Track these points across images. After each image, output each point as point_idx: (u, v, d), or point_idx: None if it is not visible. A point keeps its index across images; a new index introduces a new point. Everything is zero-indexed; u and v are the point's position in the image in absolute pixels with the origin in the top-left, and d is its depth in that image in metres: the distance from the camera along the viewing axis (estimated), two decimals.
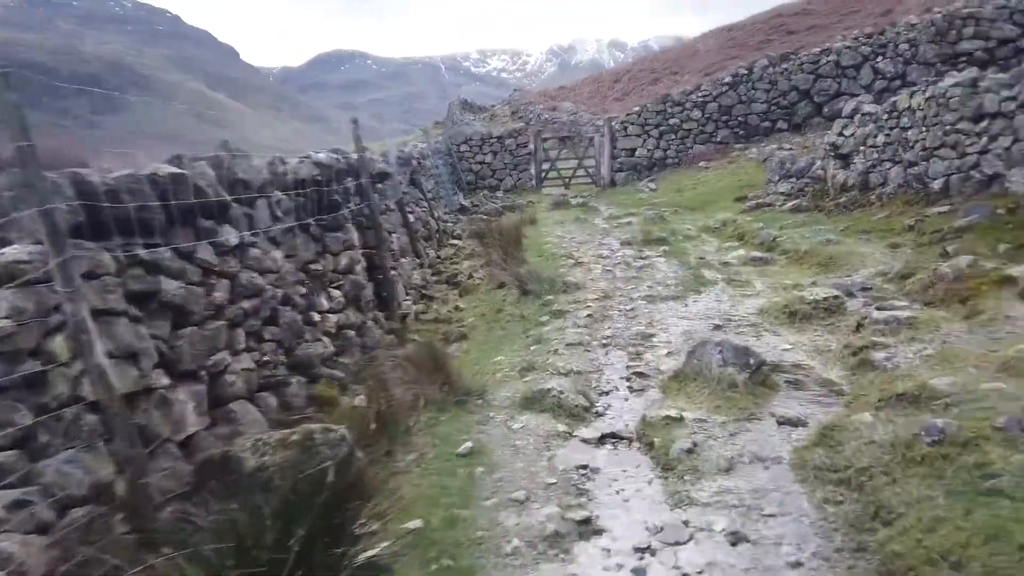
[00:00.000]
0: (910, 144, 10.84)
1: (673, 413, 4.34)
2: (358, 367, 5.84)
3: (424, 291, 9.97)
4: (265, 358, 4.66)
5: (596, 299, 7.76)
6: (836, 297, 6.49)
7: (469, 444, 4.17)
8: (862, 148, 12.12)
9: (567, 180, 21.45)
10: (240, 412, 4.31)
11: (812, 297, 6.57)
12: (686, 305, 7.48)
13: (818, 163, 14.53)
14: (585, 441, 4.31)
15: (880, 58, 19.39)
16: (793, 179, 15.17)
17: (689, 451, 3.88)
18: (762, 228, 11.59)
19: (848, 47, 19.63)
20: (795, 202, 12.97)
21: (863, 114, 12.36)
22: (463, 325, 8.12)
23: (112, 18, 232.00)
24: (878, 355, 4.96)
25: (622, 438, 4.31)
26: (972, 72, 10.12)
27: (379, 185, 8.44)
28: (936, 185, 10.10)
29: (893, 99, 11.57)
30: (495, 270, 10.12)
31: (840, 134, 12.94)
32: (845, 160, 12.90)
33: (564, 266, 9.75)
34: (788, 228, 11.05)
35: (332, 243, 6.34)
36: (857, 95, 19.48)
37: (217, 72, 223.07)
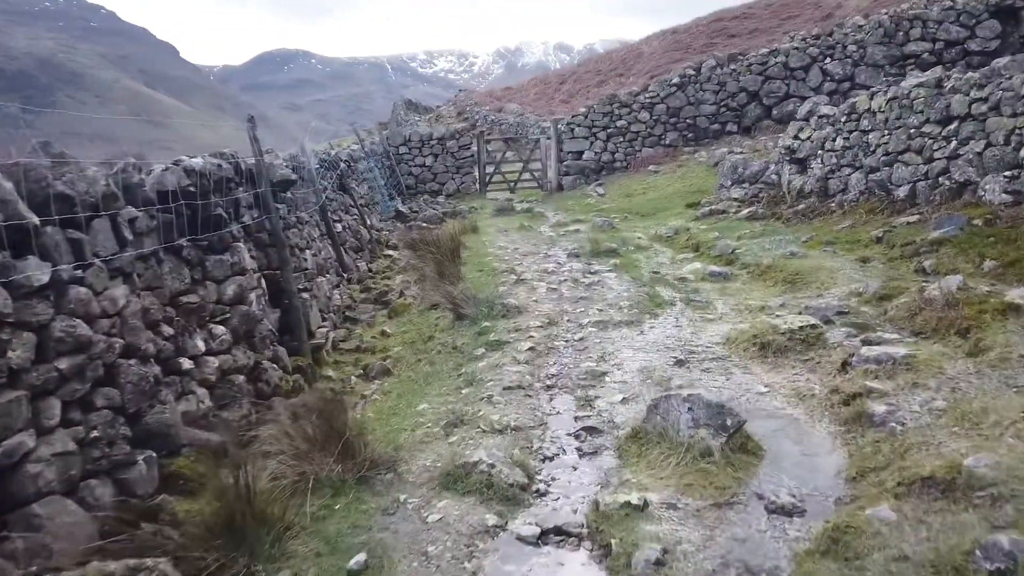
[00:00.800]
0: (871, 148, 10.19)
1: (634, 499, 3.34)
2: (243, 425, 4.69)
3: (349, 312, 8.81)
4: (94, 433, 3.49)
5: (540, 326, 6.76)
6: (814, 327, 5.63)
7: (363, 556, 3.07)
8: (820, 152, 11.45)
9: (512, 184, 20.48)
10: (50, 515, 3.14)
11: (786, 326, 5.69)
12: (642, 332, 6.54)
13: (772, 168, 13.89)
14: (521, 539, 3.28)
15: (828, 59, 18.99)
16: (746, 184, 14.50)
17: (658, 563, 2.88)
18: (718, 238, 10.79)
19: (796, 48, 19.18)
20: (750, 209, 12.24)
21: (820, 116, 11.71)
22: (388, 355, 7.02)
23: (43, 13, 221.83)
24: (876, 407, 4.07)
25: (570, 534, 3.29)
26: (936, 72, 9.50)
27: (286, 194, 7.25)
28: (901, 192, 9.45)
29: (852, 101, 10.92)
30: (428, 289, 9.04)
31: (796, 137, 12.28)
32: (802, 165, 12.24)
33: (505, 283, 8.74)
34: (746, 238, 10.28)
35: (215, 268, 5.16)
36: (807, 97, 19.05)
37: (156, 70, 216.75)
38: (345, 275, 10.38)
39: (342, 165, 12.59)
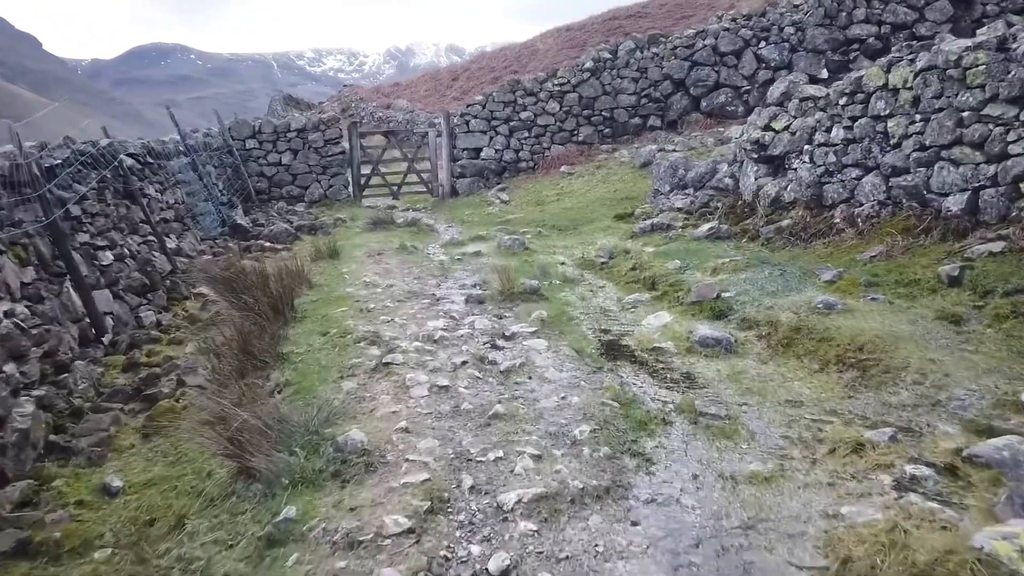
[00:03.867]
0: (892, 141, 7.16)
1: None
2: None
3: (72, 426, 4.81)
4: None
5: (413, 519, 3.05)
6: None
7: None
8: (807, 148, 8.38)
9: (395, 189, 16.62)
10: None
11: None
12: (632, 524, 2.99)
13: (724, 169, 10.81)
14: None
15: (763, 43, 16.33)
16: (690, 190, 11.38)
17: None
18: (682, 269, 7.48)
19: (726, 29, 16.41)
20: (710, 226, 9.02)
21: (804, 99, 8.65)
22: None
23: None
24: None
25: None
26: (998, 28, 6.56)
27: None
28: (952, 204, 6.43)
29: (857, 75, 7.88)
30: (225, 374, 5.17)
31: (767, 128, 9.18)
32: (775, 165, 9.17)
33: (357, 371, 4.95)
34: (727, 271, 7.00)
35: None
36: (740, 87, 16.37)
37: (15, 63, 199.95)
38: (102, 339, 6.31)
39: (127, 162, 8.39)
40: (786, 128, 8.87)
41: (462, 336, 5.65)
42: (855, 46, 15.83)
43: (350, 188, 15.96)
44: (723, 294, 6.25)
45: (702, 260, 7.68)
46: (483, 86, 32.22)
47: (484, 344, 5.42)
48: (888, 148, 7.22)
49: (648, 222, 10.22)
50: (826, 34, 15.89)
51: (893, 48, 15.23)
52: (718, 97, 16.32)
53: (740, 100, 16.30)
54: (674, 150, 13.81)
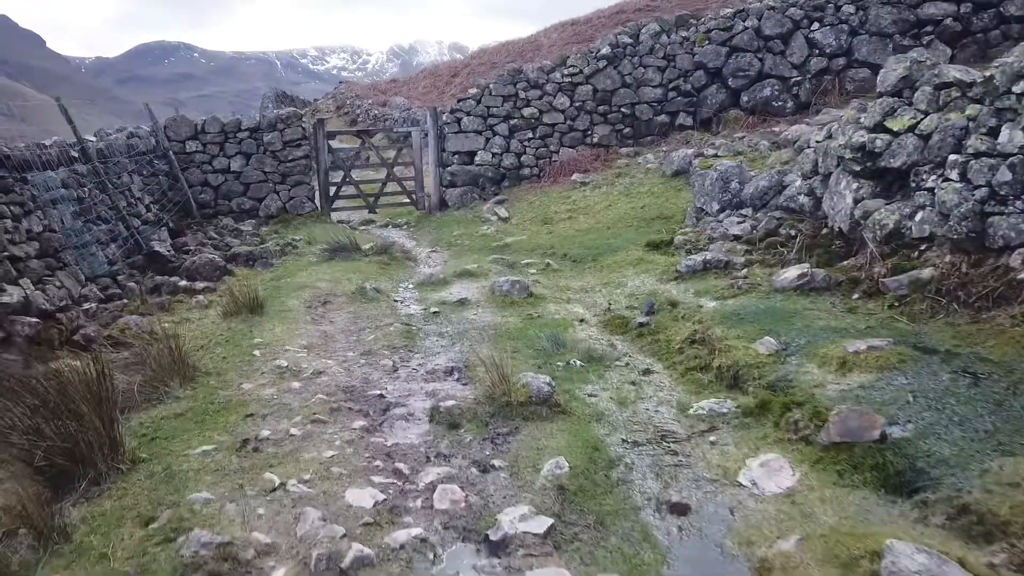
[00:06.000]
0: None
1: None
2: None
3: None
4: None
5: None
6: None
7: None
8: (953, 158, 5.53)
9: (372, 200, 13.80)
10: None
11: None
12: None
13: (796, 183, 8.01)
14: None
15: (816, 25, 13.46)
16: (747, 210, 8.58)
17: None
18: (779, 355, 4.67)
19: (772, 7, 13.54)
20: (799, 272, 6.18)
21: (942, 86, 5.83)
22: None
23: None
24: None
25: None
26: None
27: None
28: None
29: None
30: None
31: (880, 128, 6.34)
32: (890, 181, 6.35)
33: None
34: (868, 369, 4.16)
35: None
36: (788, 77, 13.53)
37: (18, 61, 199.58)
38: None
39: None
40: (912, 128, 6.03)
41: (403, 546, 2.82)
42: (928, 28, 12.98)
43: (317, 199, 13.15)
44: (890, 432, 3.43)
45: (807, 336, 4.85)
46: None
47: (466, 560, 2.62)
48: None
49: (698, 257, 7.39)
50: (894, 14, 13.03)
51: (975, 31, 12.50)
52: (762, 90, 13.47)
53: (789, 94, 13.45)
54: (716, 155, 10.98)
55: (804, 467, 3.44)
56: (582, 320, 6.43)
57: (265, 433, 3.88)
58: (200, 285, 8.13)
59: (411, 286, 8.14)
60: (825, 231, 7.30)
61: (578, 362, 5.24)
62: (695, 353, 5.15)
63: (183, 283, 8.10)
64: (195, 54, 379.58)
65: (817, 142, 7.63)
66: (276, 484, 3.27)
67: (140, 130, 11.60)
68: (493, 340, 5.82)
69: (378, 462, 3.50)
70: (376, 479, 3.34)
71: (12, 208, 6.72)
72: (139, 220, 10.07)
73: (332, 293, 7.46)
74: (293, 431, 3.90)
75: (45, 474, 3.32)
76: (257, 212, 12.57)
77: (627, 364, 5.28)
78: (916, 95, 6.10)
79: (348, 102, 40.95)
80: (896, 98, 6.34)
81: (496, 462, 3.54)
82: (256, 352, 5.41)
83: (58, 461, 3.33)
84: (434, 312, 6.79)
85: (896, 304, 5.28)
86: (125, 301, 7.51)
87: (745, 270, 7.01)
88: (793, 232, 7.63)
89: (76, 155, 8.62)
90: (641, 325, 6.04)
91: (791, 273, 6.18)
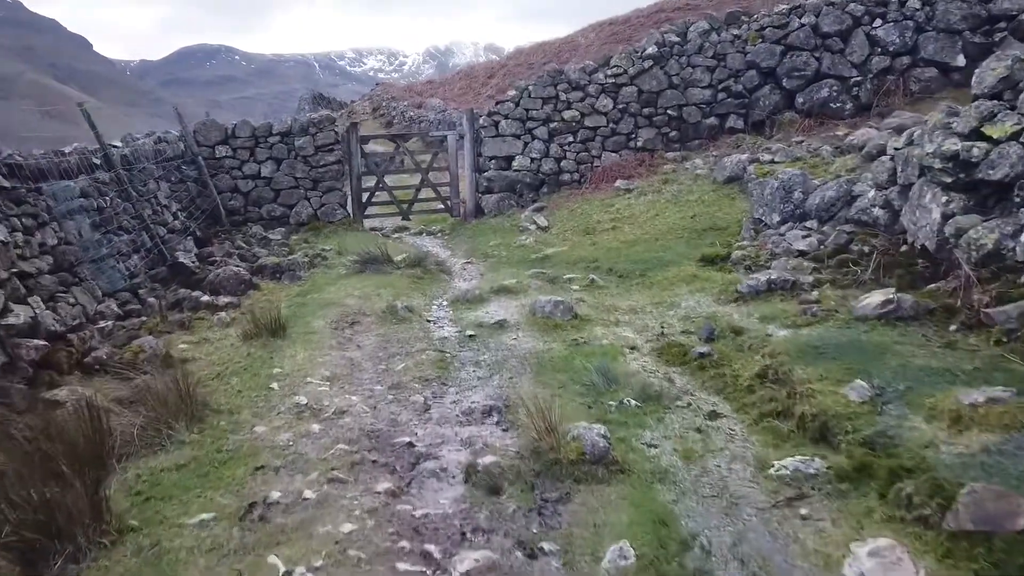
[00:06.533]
0: None
1: None
2: None
3: None
4: None
5: None
6: None
7: None
8: None
9: (406, 207, 13.31)
10: None
11: None
12: None
13: (870, 193, 7.27)
14: None
15: (878, 22, 12.58)
16: (812, 222, 7.85)
17: None
18: (874, 403, 3.98)
19: (830, 3, 12.69)
20: (884, 299, 5.43)
21: None
22: None
23: None
24: None
25: None
26: None
27: None
28: None
29: None
30: None
31: (976, 135, 5.59)
32: (987, 195, 5.59)
33: None
34: (991, 428, 3.45)
35: None
36: (848, 77, 12.66)
37: (66, 64, 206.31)
38: None
39: None
40: (1016, 136, 5.27)
41: None
42: (1001, 24, 12.04)
43: (349, 206, 12.70)
44: None
45: (906, 379, 4.15)
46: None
47: None
48: None
49: (761, 276, 6.69)
50: (964, 9, 12.10)
51: None
52: (819, 91, 12.63)
53: (848, 95, 12.59)
54: (772, 160, 10.21)
55: (928, 560, 2.77)
56: (633, 347, 5.79)
57: (275, 495, 3.33)
58: (223, 300, 7.68)
59: (445, 303, 7.58)
60: (904, 248, 6.56)
61: (633, 401, 4.61)
62: (769, 394, 4.48)
63: (205, 298, 7.66)
64: (236, 56, 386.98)
65: (896, 149, 6.87)
66: (280, 573, 2.70)
67: (169, 135, 11.27)
68: (535, 372, 5.22)
69: (404, 542, 2.92)
70: (401, 566, 2.76)
71: (24, 220, 6.32)
72: (165, 228, 9.70)
73: (361, 312, 6.93)
74: (307, 493, 3.34)
75: (13, 551, 2.80)
76: (288, 219, 12.16)
77: (689, 405, 4.63)
78: (1021, 98, 5.34)
79: (384, 104, 40.76)
80: (995, 101, 5.58)
81: (546, 544, 2.93)
82: (274, 385, 4.88)
83: (28, 536, 2.81)
84: (470, 336, 6.21)
85: (1004, 340, 4.54)
86: (143, 319, 7.09)
87: (815, 292, 6.30)
88: (866, 248, 6.90)
89: (98, 162, 8.24)
90: (701, 356, 5.38)
91: (873, 299, 5.45)
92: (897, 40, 12.42)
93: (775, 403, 4.37)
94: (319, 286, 8.10)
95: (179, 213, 10.54)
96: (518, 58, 41.05)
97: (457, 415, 4.44)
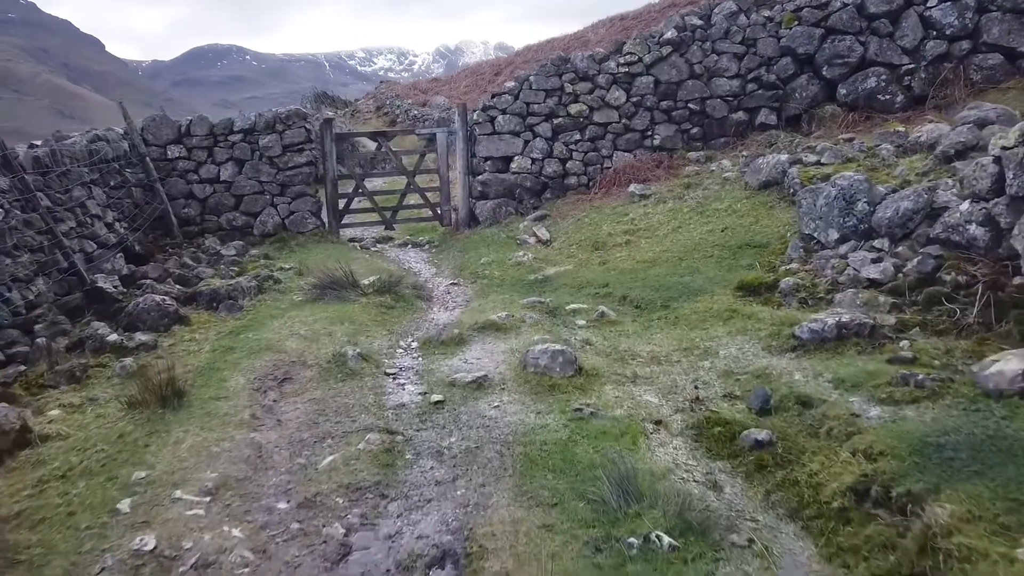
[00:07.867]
0: None
1: None
2: None
3: None
4: None
5: None
6: None
7: None
8: None
9: (390, 214, 11.67)
10: None
11: None
12: None
13: (962, 207, 5.58)
14: None
15: (934, 1, 10.82)
16: (882, 240, 6.17)
17: None
18: None
19: None
20: (1019, 368, 3.76)
21: None
22: None
23: None
24: None
25: None
26: None
27: None
28: None
29: None
30: None
31: None
32: None
33: None
34: None
35: None
36: (898, 65, 10.91)
37: (79, 64, 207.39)
38: None
39: None
40: None
41: None
42: None
43: (324, 214, 11.08)
44: None
45: None
46: None
47: None
48: None
49: (828, 319, 5.00)
50: None
51: None
52: (865, 81, 10.89)
53: (899, 85, 10.84)
54: (819, 162, 8.48)
55: None
56: (658, 422, 4.15)
57: None
58: (138, 339, 6.08)
59: (415, 344, 5.95)
60: (1019, 280, 4.88)
61: (666, 539, 2.96)
62: (882, 535, 2.82)
63: (113, 337, 6.06)
64: (247, 57, 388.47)
65: (1005, 148, 5.16)
66: None
67: (111, 132, 9.69)
68: (520, 472, 3.58)
69: None
70: None
71: None
72: (94, 243, 8.13)
73: (300, 361, 5.31)
74: None
75: None
76: (251, 230, 10.55)
77: (750, 543, 2.98)
78: None
79: (388, 102, 39.31)
80: None
81: None
82: (124, 504, 3.26)
83: None
84: (436, 402, 4.58)
85: None
86: (23, 368, 5.49)
87: (905, 342, 4.63)
88: (962, 279, 5.22)
89: None
90: (759, 445, 3.73)
91: (1009, 365, 3.77)
92: (956, 22, 10.65)
93: (896, 554, 2.71)
94: (260, 320, 6.48)
95: (118, 224, 8.97)
96: (526, 55, 39.33)
97: (388, 571, 2.80)
